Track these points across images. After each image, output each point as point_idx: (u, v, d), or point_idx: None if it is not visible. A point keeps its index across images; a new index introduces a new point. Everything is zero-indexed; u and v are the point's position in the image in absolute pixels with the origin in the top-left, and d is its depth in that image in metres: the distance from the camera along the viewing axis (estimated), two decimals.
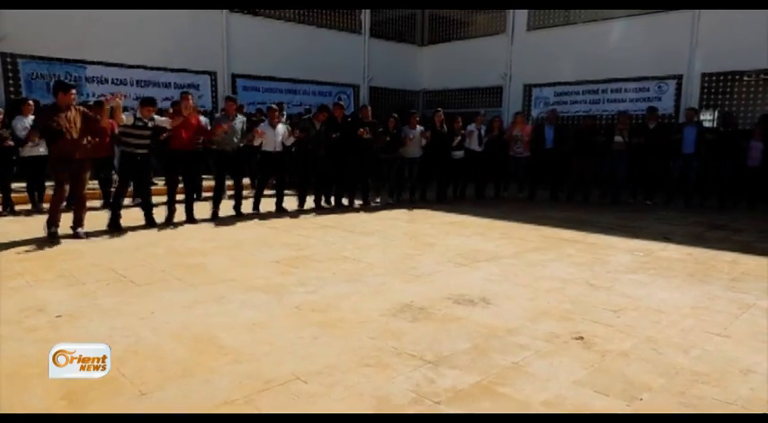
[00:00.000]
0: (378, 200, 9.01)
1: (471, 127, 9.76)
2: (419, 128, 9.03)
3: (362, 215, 7.97)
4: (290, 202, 8.30)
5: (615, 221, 7.51)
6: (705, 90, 12.25)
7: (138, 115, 6.32)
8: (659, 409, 2.41)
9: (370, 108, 9.03)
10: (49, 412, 2.34)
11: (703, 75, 12.17)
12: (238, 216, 7.45)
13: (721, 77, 12.09)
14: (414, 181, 9.27)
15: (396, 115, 9.12)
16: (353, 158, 8.46)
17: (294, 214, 7.83)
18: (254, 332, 3.26)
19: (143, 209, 6.71)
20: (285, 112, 11.68)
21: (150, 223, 6.63)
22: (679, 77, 12.46)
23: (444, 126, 9.29)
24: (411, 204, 8.96)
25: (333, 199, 8.73)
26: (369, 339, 3.17)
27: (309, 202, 8.45)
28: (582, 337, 3.22)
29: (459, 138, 9.39)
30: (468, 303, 3.85)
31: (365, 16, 15.63)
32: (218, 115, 7.56)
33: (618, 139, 9.40)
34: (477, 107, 15.28)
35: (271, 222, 7.20)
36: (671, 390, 2.59)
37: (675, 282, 4.47)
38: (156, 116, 6.57)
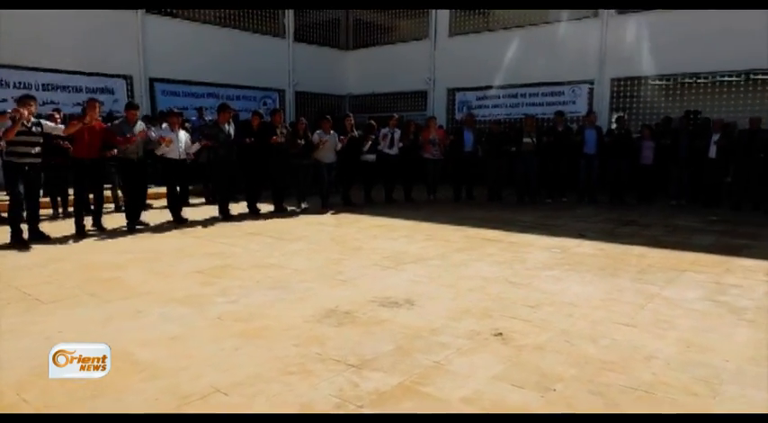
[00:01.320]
0: (303, 205, 8.90)
1: (385, 130, 9.80)
2: (333, 132, 8.97)
3: (289, 221, 7.88)
4: (202, 211, 8.09)
5: (535, 220, 7.84)
6: (614, 94, 13.04)
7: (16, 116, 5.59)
8: (570, 398, 2.53)
9: (282, 113, 8.97)
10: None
11: (612, 79, 12.95)
12: (142, 225, 7.15)
13: (629, 82, 12.91)
14: (330, 186, 9.19)
15: (304, 119, 9.08)
16: (267, 164, 8.34)
17: (218, 222, 7.63)
18: (172, 346, 3.14)
19: (27, 222, 6.15)
20: (208, 117, 11.43)
21: (36, 236, 6.13)
22: (591, 82, 13.18)
23: (355, 130, 9.35)
24: (334, 209, 8.92)
25: (248, 205, 8.47)
26: (292, 347, 3.13)
27: (239, 208, 8.27)
28: (501, 334, 3.33)
29: (370, 142, 9.40)
30: (393, 305, 3.89)
31: (288, 20, 15.49)
32: (116, 122, 7.16)
33: (527, 140, 9.91)
34: (403, 111, 15.51)
35: (193, 231, 6.98)
36: (581, 379, 2.73)
37: (588, 276, 4.72)
38: (45, 121, 6.17)
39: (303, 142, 8.59)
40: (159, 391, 2.57)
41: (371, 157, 9.57)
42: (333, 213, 8.56)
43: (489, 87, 14.58)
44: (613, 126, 11.75)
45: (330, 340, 3.23)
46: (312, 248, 5.94)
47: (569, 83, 13.43)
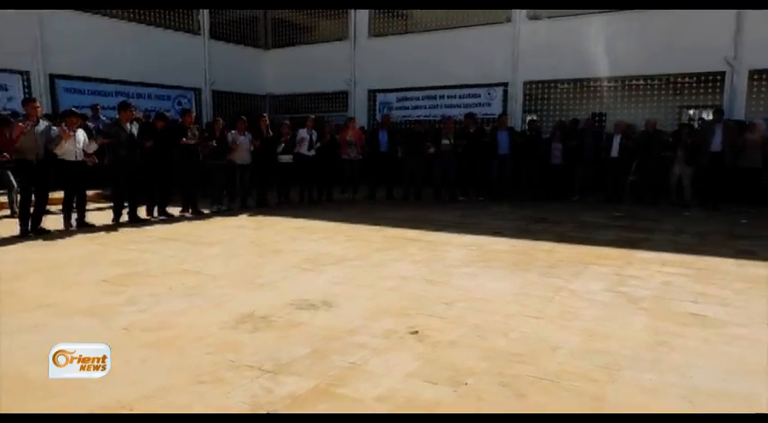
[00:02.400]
0: (218, 208, 8.62)
1: (302, 132, 9.71)
2: (247, 133, 8.79)
3: (206, 225, 7.63)
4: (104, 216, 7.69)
5: (453, 219, 8.04)
6: (527, 96, 13.63)
7: None
8: (481, 391, 2.61)
9: (194, 113, 8.70)
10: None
11: (525, 82, 13.53)
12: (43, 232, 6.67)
13: (540, 85, 13.54)
14: (246, 188, 8.98)
15: (220, 119, 8.87)
16: (171, 167, 7.97)
17: (126, 227, 7.26)
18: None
19: None
20: (102, 116, 10.85)
21: None
22: (505, 85, 13.71)
23: (270, 131, 9.20)
24: (250, 211, 8.73)
25: (157, 209, 8.04)
26: (205, 355, 3.03)
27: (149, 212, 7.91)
28: (417, 331, 3.39)
29: (284, 144, 9.28)
30: (311, 308, 3.86)
31: (203, 17, 14.99)
32: (19, 120, 6.63)
33: (445, 141, 10.28)
34: (325, 112, 15.47)
35: (99, 237, 6.60)
36: (492, 372, 2.82)
37: (501, 272, 4.90)
38: None
39: (215, 144, 8.31)
40: (58, 410, 2.40)
41: (288, 158, 9.43)
42: (249, 215, 8.38)
43: (409, 89, 14.82)
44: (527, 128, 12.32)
45: (245, 346, 3.16)
46: (230, 252, 5.78)
47: (485, 85, 13.90)
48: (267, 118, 9.36)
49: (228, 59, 15.64)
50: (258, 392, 2.59)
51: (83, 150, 6.91)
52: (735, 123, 9.98)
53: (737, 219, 8.21)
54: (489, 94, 13.97)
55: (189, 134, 8.06)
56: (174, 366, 2.88)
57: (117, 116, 7.55)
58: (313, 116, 10.37)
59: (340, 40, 15.75)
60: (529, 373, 2.81)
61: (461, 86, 14.17)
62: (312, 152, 9.72)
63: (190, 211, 8.32)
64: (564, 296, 4.17)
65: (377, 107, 15.36)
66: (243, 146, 8.61)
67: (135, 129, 7.47)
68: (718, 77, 11.61)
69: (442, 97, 14.59)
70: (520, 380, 2.72)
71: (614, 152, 10.03)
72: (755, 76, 11.39)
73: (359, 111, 15.10)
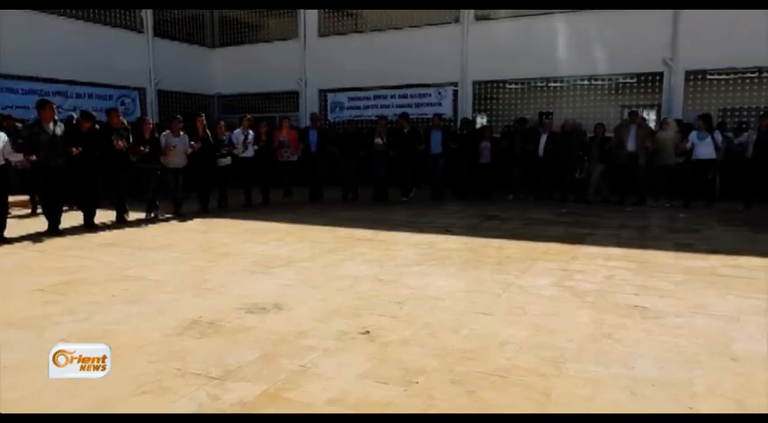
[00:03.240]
0: (153, 214, 8.13)
1: (237, 133, 9.35)
2: (183, 134, 8.28)
3: (152, 229, 7.39)
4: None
5: (404, 218, 8.08)
6: (476, 96, 13.84)
7: None
8: (432, 389, 2.62)
9: (121, 112, 7.95)
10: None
11: (474, 82, 13.73)
12: None
13: (489, 85, 13.77)
14: (180, 192, 8.41)
15: (149, 119, 8.39)
16: (96, 172, 7.44)
17: (62, 234, 6.94)
18: (3, 378, 2.78)
19: None
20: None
21: None
22: (455, 84, 13.87)
23: (208, 132, 8.79)
24: (193, 216, 8.37)
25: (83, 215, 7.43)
26: (148, 364, 2.92)
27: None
28: (368, 332, 3.37)
29: (227, 144, 9.00)
30: (261, 311, 3.79)
31: (146, 14, 14.51)
32: None
33: (378, 141, 10.31)
34: (275, 112, 15.25)
35: (37, 245, 6.28)
36: (443, 369, 2.84)
37: (452, 270, 4.94)
38: None
39: (146, 149, 7.72)
40: None
41: (226, 160, 9.05)
42: (197, 219, 8.16)
43: (360, 88, 14.80)
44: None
45: (191, 353, 3.07)
46: (176, 257, 5.61)
47: (435, 85, 14.02)
48: (203, 118, 8.85)
49: (174, 58, 15.19)
50: (205, 400, 2.52)
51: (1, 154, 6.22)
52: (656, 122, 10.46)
53: (676, 213, 8.58)
54: (440, 93, 14.10)
55: (115, 136, 7.42)
56: (115, 377, 2.76)
57: (37, 116, 6.80)
58: (249, 116, 9.99)
59: (289, 39, 15.57)
60: (479, 369, 2.84)
61: (412, 86, 14.24)
62: (250, 153, 9.38)
63: (117, 219, 7.75)
64: (513, 292, 4.24)
65: (328, 107, 15.26)
66: (177, 148, 8.08)
67: (59, 129, 6.82)
68: (657, 78, 12.10)
69: (393, 97, 14.61)
70: (470, 376, 2.75)
71: (541, 151, 10.34)
72: (691, 77, 11.93)
73: (310, 110, 14.91)
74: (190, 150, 8.25)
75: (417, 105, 14.14)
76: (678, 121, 10.58)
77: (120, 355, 3.05)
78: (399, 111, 13.76)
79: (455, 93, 13.89)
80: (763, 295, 4.12)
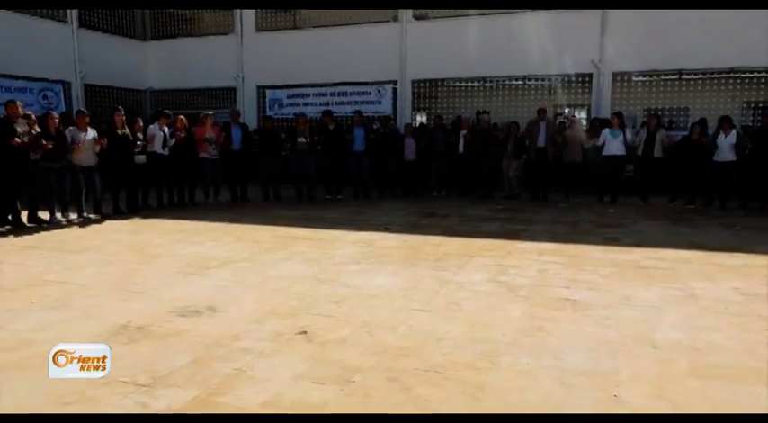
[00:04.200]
0: (59, 216, 7.57)
1: (153, 128, 8.79)
2: (92, 130, 7.76)
3: (76, 231, 7.02)
4: None
5: (343, 216, 8.05)
6: (415, 94, 13.97)
7: None
8: (369, 387, 2.61)
9: (19, 103, 7.11)
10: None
11: (413, 81, 13.84)
12: None
13: (428, 83, 13.93)
14: (96, 193, 7.87)
15: (54, 113, 7.68)
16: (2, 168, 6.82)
17: None
18: None
19: None
20: None
21: None
22: (395, 83, 13.94)
23: (126, 128, 8.24)
24: (116, 216, 8.04)
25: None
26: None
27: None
28: (305, 332, 3.32)
29: (141, 142, 8.46)
30: (194, 314, 3.67)
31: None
32: None
33: (301, 139, 10.11)
34: (212, 109, 14.78)
35: None
36: (380, 367, 2.83)
37: (391, 267, 4.96)
38: None
39: (48, 145, 7.08)
40: None
41: (141, 158, 8.54)
42: (127, 219, 7.83)
43: (299, 85, 14.62)
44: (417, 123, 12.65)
45: (118, 360, 2.92)
46: (102, 260, 5.34)
47: (375, 83, 14.04)
48: (122, 113, 8.26)
49: (102, 50, 14.47)
50: (131, 408, 2.41)
51: None
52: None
53: (605, 209, 8.97)
54: (379, 91, 14.14)
55: (18, 130, 6.83)
56: (34, 388, 2.60)
57: None
58: (169, 112, 9.48)
59: (226, 33, 15.17)
60: (415, 365, 2.85)
61: (352, 84, 14.21)
62: (167, 150, 8.89)
63: (29, 219, 7.20)
64: (450, 288, 4.30)
65: (267, 104, 14.99)
66: (85, 144, 7.55)
67: None
68: (587, 79, 12.61)
69: (333, 94, 14.53)
70: (406, 373, 2.76)
71: (461, 148, 10.59)
72: (618, 79, 12.51)
73: (247, 107, 14.63)
74: (98, 148, 7.73)
75: (357, 103, 14.11)
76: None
77: (38, 365, 2.86)
78: (339, 108, 13.77)
79: (395, 91, 13.96)
80: (683, 285, 4.36)
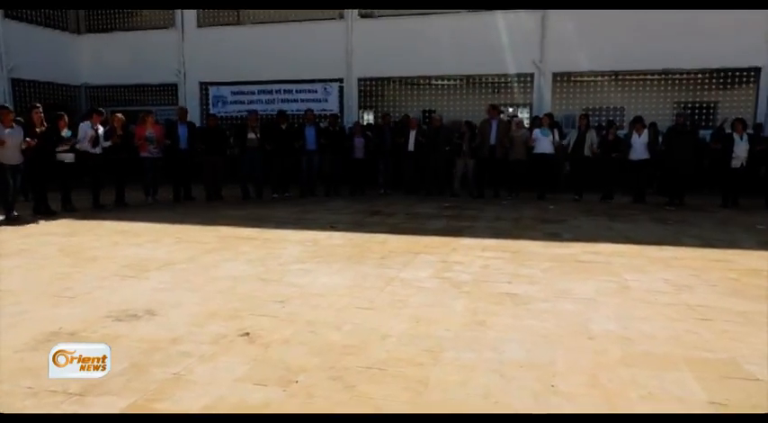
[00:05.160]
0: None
1: (84, 126, 8.45)
2: (17, 128, 7.40)
3: (3, 233, 6.64)
4: None
5: (289, 216, 7.97)
6: (362, 92, 13.97)
7: None
8: (312, 387, 2.59)
9: None
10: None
11: (359, 79, 13.84)
12: None
13: (375, 82, 13.95)
14: (14, 193, 7.55)
15: None
16: None
17: None
18: None
19: None
20: None
21: None
22: (341, 80, 13.90)
23: (45, 124, 7.87)
24: (44, 217, 7.68)
25: None
26: None
27: None
28: (248, 333, 3.27)
29: (70, 139, 8.09)
30: (131, 319, 3.54)
31: None
32: None
33: (251, 136, 9.95)
34: (152, 106, 14.35)
35: None
36: (323, 366, 2.82)
37: (336, 266, 4.94)
38: None
39: None
40: None
41: (69, 156, 8.16)
42: (60, 220, 7.47)
43: (244, 82, 14.35)
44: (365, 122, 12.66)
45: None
46: (32, 264, 5.08)
47: (321, 81, 13.96)
48: (40, 110, 7.86)
49: (31, 43, 13.75)
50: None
51: None
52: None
53: (547, 205, 9.25)
54: (325, 89, 14.07)
55: None
56: None
57: None
58: (102, 110, 9.16)
59: (166, 27, 14.71)
60: (359, 363, 2.86)
61: (298, 81, 14.07)
62: (99, 149, 8.53)
63: None
64: (395, 286, 4.33)
65: (210, 101, 14.64)
66: (10, 142, 7.22)
67: None
68: (529, 79, 12.96)
69: (278, 92, 14.36)
70: (349, 371, 2.76)
71: (411, 146, 10.71)
72: (558, 78, 12.92)
73: (190, 104, 14.17)
74: (24, 146, 7.37)
75: (303, 101, 14.01)
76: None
77: None
78: (285, 106, 13.58)
79: (341, 89, 13.92)
80: (617, 278, 4.56)
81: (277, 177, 10.39)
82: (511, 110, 14.75)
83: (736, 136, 9.18)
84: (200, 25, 14.51)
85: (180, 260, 5.18)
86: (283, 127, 10.36)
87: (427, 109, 14.21)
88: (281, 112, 10.80)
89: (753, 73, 11.84)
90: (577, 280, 4.50)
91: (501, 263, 5.08)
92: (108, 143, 8.59)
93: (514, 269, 4.84)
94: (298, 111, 13.27)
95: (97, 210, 8.51)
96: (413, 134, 10.73)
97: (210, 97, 14.65)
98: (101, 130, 8.59)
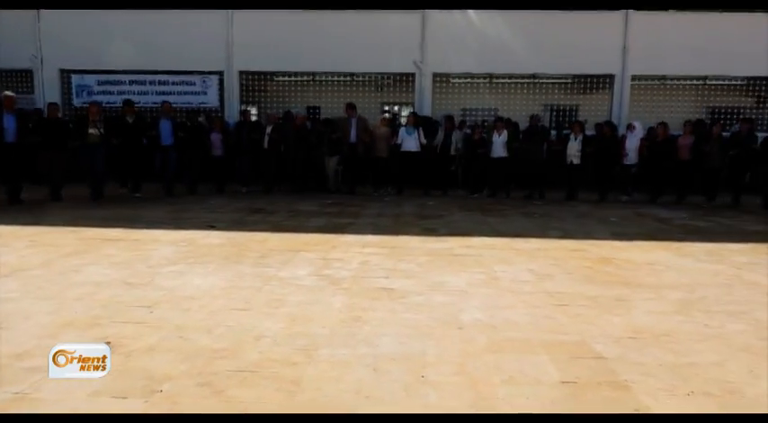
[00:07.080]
0: None
1: None
2: None
3: None
4: None
5: (164, 215, 7.55)
6: (243, 86, 13.55)
7: None
8: (177, 395, 2.46)
9: None
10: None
11: (240, 72, 13.41)
12: None
13: (257, 76, 13.59)
14: None
15: None
16: None
17: None
18: None
19: None
20: None
21: None
22: (221, 73, 13.37)
23: None
24: None
25: None
26: None
27: None
28: (108, 342, 3.03)
29: None
30: None
31: None
32: None
33: (92, 131, 9.12)
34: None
35: None
36: (191, 373, 2.69)
37: (211, 267, 4.75)
38: None
39: None
40: None
41: None
42: None
43: (113, 72, 13.32)
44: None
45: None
46: None
47: (199, 73, 13.34)
48: None
49: None
50: None
51: None
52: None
53: (426, 201, 9.58)
54: (204, 82, 13.48)
55: None
56: None
57: None
58: None
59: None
60: (229, 367, 2.76)
61: (174, 72, 13.33)
62: None
63: None
64: (273, 285, 4.25)
65: (72, 91, 13.41)
66: None
67: None
68: (410, 78, 13.32)
69: (153, 83, 13.51)
70: (219, 376, 2.66)
71: (265, 144, 10.69)
72: (437, 79, 13.41)
73: (49, 94, 12.96)
74: None
75: (180, 93, 13.33)
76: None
77: None
78: (160, 98, 12.79)
79: (221, 82, 13.40)
80: (487, 269, 4.82)
81: (122, 174, 9.74)
82: (387, 108, 15.12)
83: (571, 136, 10.27)
84: None
85: (32, 266, 4.69)
86: (129, 120, 9.59)
87: (312, 105, 14.13)
88: (128, 102, 10.05)
89: (608, 79, 13.12)
90: (451, 273, 4.69)
91: (380, 258, 5.17)
92: None
93: (393, 264, 4.95)
94: (175, 103, 12.52)
95: None
96: (268, 130, 10.66)
97: (73, 86, 13.42)
98: None
